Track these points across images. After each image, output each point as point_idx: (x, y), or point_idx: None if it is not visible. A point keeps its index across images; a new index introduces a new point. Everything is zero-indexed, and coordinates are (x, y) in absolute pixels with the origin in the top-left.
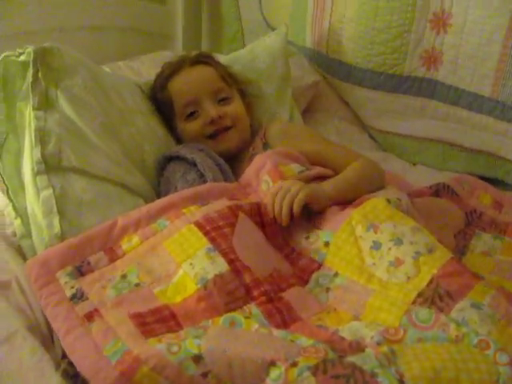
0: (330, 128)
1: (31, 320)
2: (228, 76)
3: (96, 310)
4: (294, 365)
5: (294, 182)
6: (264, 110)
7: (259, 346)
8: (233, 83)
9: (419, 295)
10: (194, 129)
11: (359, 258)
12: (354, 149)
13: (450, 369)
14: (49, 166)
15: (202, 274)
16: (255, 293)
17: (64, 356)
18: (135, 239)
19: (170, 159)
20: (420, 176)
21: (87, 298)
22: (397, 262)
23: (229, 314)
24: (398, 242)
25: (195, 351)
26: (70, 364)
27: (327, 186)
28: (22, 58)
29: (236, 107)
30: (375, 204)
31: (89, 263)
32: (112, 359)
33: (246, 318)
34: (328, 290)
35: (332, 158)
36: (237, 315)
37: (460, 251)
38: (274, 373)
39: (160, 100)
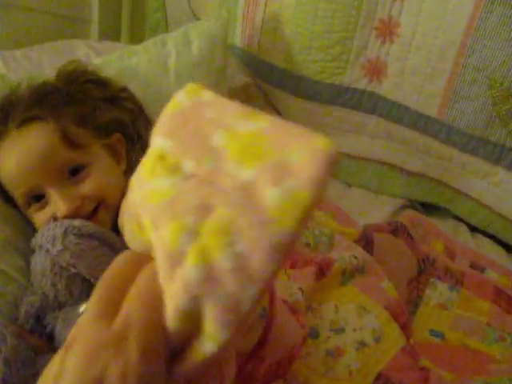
0: None
1: None
2: (92, 119)
3: None
4: None
5: None
6: None
7: None
8: (96, 130)
9: None
10: (46, 222)
11: None
12: None
13: None
14: None
15: None
16: None
17: None
18: None
19: None
20: (355, 201)
21: None
22: (336, 352)
23: None
24: (339, 330)
25: None
26: None
27: None
28: None
29: (96, 179)
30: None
31: None
32: None
33: None
34: None
35: None
36: None
37: (413, 302)
38: None
39: None
